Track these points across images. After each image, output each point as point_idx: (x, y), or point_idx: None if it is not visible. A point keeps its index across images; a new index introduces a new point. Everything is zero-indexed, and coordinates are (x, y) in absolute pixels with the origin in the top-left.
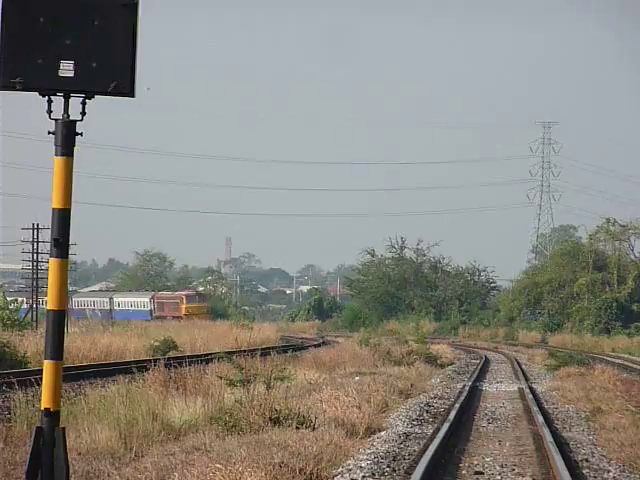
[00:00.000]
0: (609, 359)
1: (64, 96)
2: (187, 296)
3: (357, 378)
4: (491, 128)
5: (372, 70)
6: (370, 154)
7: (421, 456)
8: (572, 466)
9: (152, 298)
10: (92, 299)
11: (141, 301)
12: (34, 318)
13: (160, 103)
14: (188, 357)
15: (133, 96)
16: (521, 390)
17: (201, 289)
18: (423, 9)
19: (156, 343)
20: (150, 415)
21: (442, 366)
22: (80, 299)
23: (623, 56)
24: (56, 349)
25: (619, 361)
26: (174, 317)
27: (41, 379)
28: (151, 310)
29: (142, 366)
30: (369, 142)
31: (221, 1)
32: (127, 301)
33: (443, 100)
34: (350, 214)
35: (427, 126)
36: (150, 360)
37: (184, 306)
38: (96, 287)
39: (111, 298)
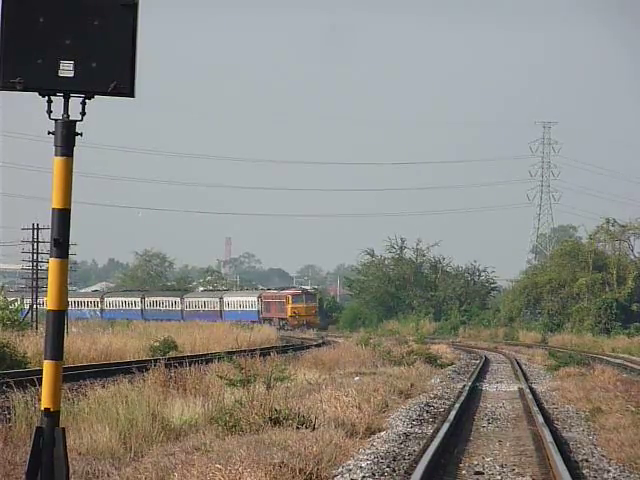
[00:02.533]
0: (609, 359)
1: (64, 96)
2: (293, 295)
3: (357, 378)
4: (491, 128)
5: (372, 70)
6: (370, 154)
7: (421, 456)
8: (572, 466)
9: (259, 297)
10: (203, 299)
11: (249, 301)
12: (34, 318)
13: (160, 103)
14: (188, 357)
15: (133, 96)
16: (521, 390)
17: (201, 289)
18: (423, 9)
19: (156, 343)
20: (150, 415)
21: (442, 366)
22: (192, 299)
23: (623, 56)
24: (56, 349)
25: (619, 361)
26: (280, 319)
27: (41, 379)
28: (258, 311)
29: (142, 366)
30: (369, 142)
31: (221, 1)
32: (237, 301)
33: (443, 100)
34: (350, 214)
35: (427, 126)
36: (150, 360)
37: (289, 306)
38: (97, 287)
39: (221, 298)
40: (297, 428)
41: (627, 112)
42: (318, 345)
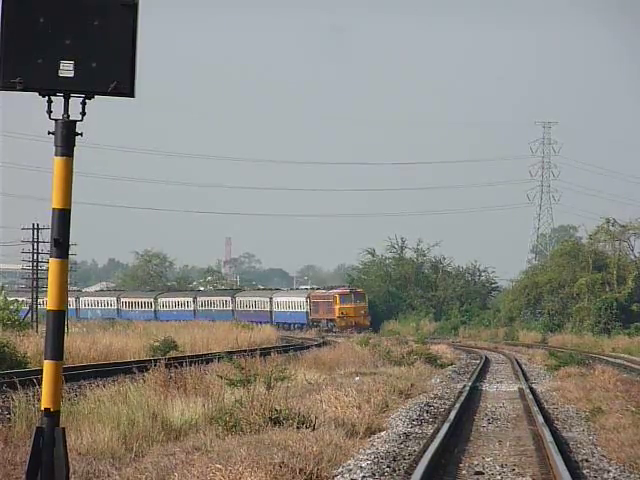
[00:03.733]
0: (609, 359)
1: (64, 96)
2: (341, 294)
3: (357, 378)
4: (491, 128)
5: (372, 70)
6: (370, 154)
7: (421, 456)
8: (572, 466)
9: (308, 297)
10: (254, 299)
11: (297, 301)
12: (34, 318)
13: (160, 103)
14: (188, 357)
15: (133, 96)
16: (521, 390)
17: (201, 289)
18: (423, 9)
19: (156, 343)
20: (150, 415)
21: (442, 366)
22: (243, 299)
23: (623, 56)
24: (56, 349)
25: (619, 361)
26: (328, 320)
27: (41, 379)
28: (307, 312)
29: (142, 366)
30: (369, 142)
31: (221, 1)
32: (286, 301)
33: (443, 100)
34: (350, 214)
35: (427, 126)
36: (150, 360)
37: (337, 307)
38: (97, 287)
39: (271, 298)
40: (297, 428)
41: (627, 112)
42: (318, 345)
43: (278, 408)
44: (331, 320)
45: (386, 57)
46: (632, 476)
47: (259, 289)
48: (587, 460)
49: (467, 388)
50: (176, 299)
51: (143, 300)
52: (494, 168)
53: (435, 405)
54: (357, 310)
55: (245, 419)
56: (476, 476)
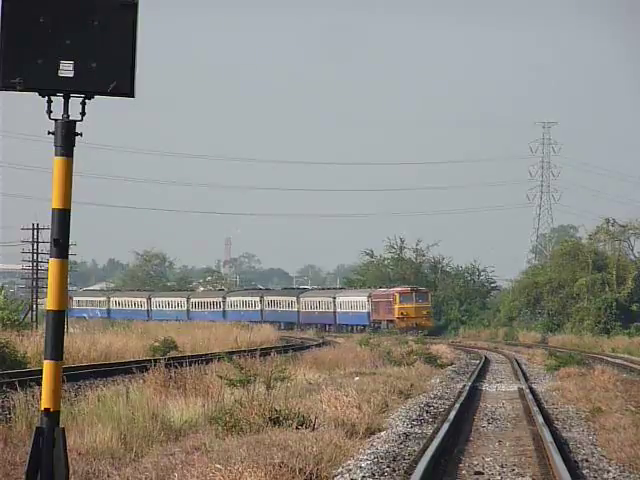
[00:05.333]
0: (609, 359)
1: (64, 96)
2: (401, 293)
3: (357, 378)
4: (491, 128)
5: (372, 70)
6: (370, 154)
7: (421, 456)
8: (572, 466)
9: (369, 297)
10: (318, 299)
11: (359, 301)
12: (34, 318)
13: (160, 103)
14: (188, 357)
15: (133, 96)
16: (521, 390)
17: (201, 289)
18: (423, 9)
19: (156, 343)
20: (150, 415)
21: (442, 366)
22: (308, 299)
23: (624, 55)
24: (56, 349)
25: (619, 361)
26: (388, 322)
27: (41, 379)
28: (369, 313)
29: (142, 366)
30: (369, 142)
31: (222, 1)
32: (348, 301)
33: (442, 100)
34: (350, 214)
35: (427, 126)
36: (150, 360)
37: (397, 307)
38: (96, 287)
39: (334, 297)
40: (297, 428)
41: (627, 112)
42: (318, 345)
43: (278, 408)
44: (391, 321)
45: (386, 57)
46: (632, 476)
47: (323, 288)
48: (587, 460)
49: (467, 388)
50: (243, 298)
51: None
52: (494, 168)
53: (435, 405)
54: (419, 310)
55: (245, 419)
56: (476, 476)
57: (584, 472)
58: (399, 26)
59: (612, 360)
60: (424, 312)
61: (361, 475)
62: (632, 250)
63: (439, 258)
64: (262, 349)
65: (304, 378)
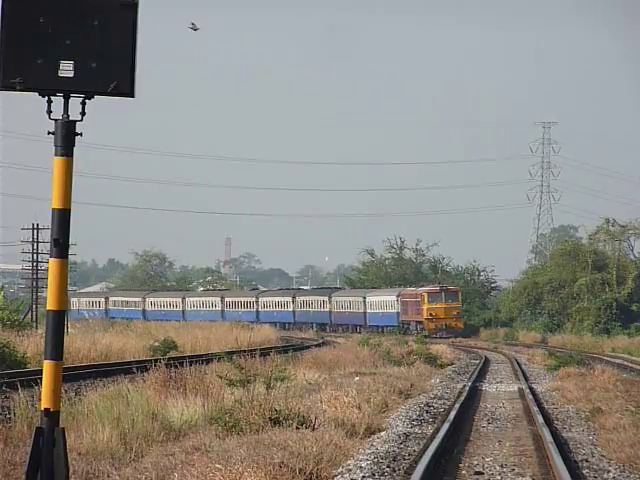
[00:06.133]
0: (609, 359)
1: (64, 96)
2: (429, 293)
3: (357, 378)
4: (491, 128)
5: (372, 70)
6: (370, 154)
7: (421, 456)
8: (572, 466)
9: (398, 296)
10: (349, 299)
11: (388, 301)
12: (34, 318)
13: (160, 103)
14: (188, 357)
15: (133, 96)
16: (521, 390)
17: (200, 289)
18: (423, 9)
19: (156, 343)
20: (150, 415)
21: (442, 366)
22: (339, 299)
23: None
24: (56, 349)
25: (619, 361)
26: (417, 323)
27: (41, 379)
28: (398, 313)
29: (142, 366)
30: (369, 142)
31: (222, 1)
32: (378, 301)
33: (443, 100)
34: (350, 214)
35: (427, 126)
36: (150, 360)
37: (425, 307)
38: (96, 287)
39: (365, 297)
40: (297, 428)
41: (627, 112)
42: (318, 345)
43: (278, 408)
44: (419, 322)
45: (386, 57)
46: (632, 476)
47: (354, 288)
48: (587, 460)
49: (467, 388)
50: (276, 299)
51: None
52: (494, 168)
53: (435, 405)
54: (448, 311)
55: (245, 419)
56: (476, 476)
57: (584, 472)
58: (399, 26)
59: (612, 360)
60: (454, 313)
61: (361, 475)
62: (632, 250)
63: (439, 258)
64: (262, 349)
65: (304, 378)
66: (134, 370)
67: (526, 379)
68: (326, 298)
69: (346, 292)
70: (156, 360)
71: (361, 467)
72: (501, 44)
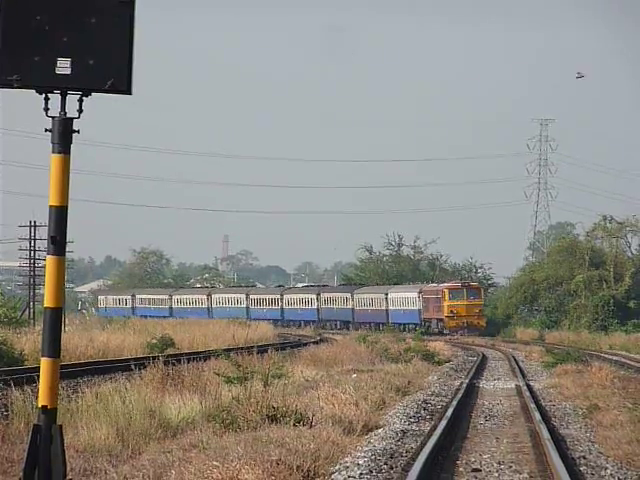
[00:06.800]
0: (606, 356)
1: (61, 94)
2: (450, 289)
3: (354, 375)
4: (489, 126)
5: (372, 69)
6: (369, 152)
7: (418, 453)
8: (569, 463)
9: (420, 293)
10: (371, 295)
11: (409, 297)
12: (31, 315)
13: (158, 101)
14: (185, 354)
15: (130, 93)
16: (518, 387)
17: (198, 286)
18: (422, 9)
19: (153, 340)
20: (147, 412)
21: (439, 363)
22: (362, 296)
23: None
24: (53, 346)
25: (616, 358)
26: (438, 320)
27: (38, 376)
28: (420, 310)
29: (140, 363)
30: (368, 140)
31: (221, 1)
32: (399, 298)
33: (441, 98)
34: (347, 211)
35: (426, 124)
36: (148, 357)
37: (446, 304)
38: (94, 284)
39: (387, 294)
40: (294, 425)
41: (624, 110)
42: (316, 342)
43: (275, 405)
44: (440, 320)
45: (385, 57)
46: (629, 473)
47: (377, 284)
48: (584, 457)
49: (464, 385)
50: (300, 295)
51: (268, 297)
52: (492, 165)
53: (432, 402)
54: (470, 308)
55: (242, 416)
56: (473, 473)
57: (581, 469)
58: (396, 26)
59: (609, 357)
60: (476, 310)
61: (359, 472)
62: (629, 247)
63: (437, 255)
64: (259, 346)
65: (301, 375)
66: (132, 367)
67: (523, 376)
68: (349, 295)
69: (369, 288)
70: (154, 357)
71: (358, 464)
72: (500, 42)
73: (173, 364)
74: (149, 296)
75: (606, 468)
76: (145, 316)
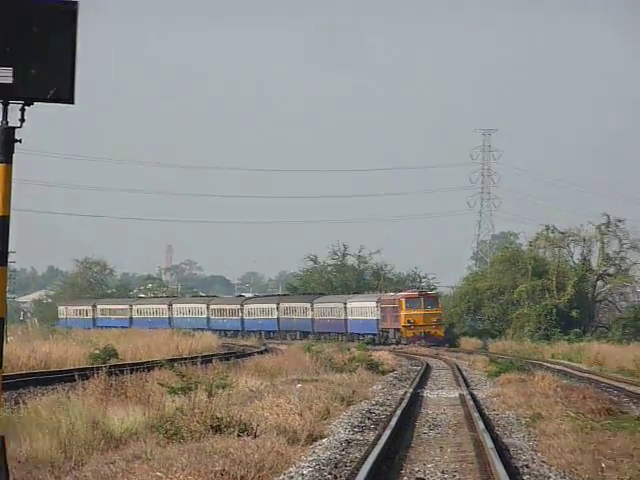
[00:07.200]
0: (549, 365)
1: (3, 103)
2: (407, 298)
3: (299, 385)
4: (433, 135)
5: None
6: (312, 161)
7: (363, 463)
8: (512, 472)
9: (378, 302)
10: (330, 305)
11: (368, 307)
12: None
13: (100, 108)
14: (129, 365)
15: (73, 103)
16: (462, 396)
17: (142, 296)
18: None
19: (96, 351)
20: (90, 423)
21: (384, 373)
22: (322, 305)
23: (563, 60)
24: None
25: (559, 367)
26: (395, 330)
27: None
28: (378, 320)
29: (83, 374)
30: (311, 149)
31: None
32: (358, 307)
33: (386, 106)
34: (292, 221)
35: (370, 133)
36: (91, 368)
37: (403, 314)
38: (35, 295)
39: (346, 304)
40: (238, 435)
41: (566, 119)
42: (260, 352)
43: (219, 416)
44: (397, 330)
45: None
46: None
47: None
48: (527, 466)
49: (408, 394)
50: (261, 305)
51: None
52: (436, 175)
53: (376, 412)
54: (427, 318)
55: (186, 427)
56: None
57: (525, 478)
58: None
59: (552, 366)
60: (434, 320)
61: None
62: (572, 257)
63: (381, 265)
64: (203, 356)
65: (246, 385)
66: (75, 378)
67: (467, 385)
68: (309, 305)
69: (329, 297)
70: (97, 368)
71: (303, 474)
72: (445, 50)
73: (116, 375)
74: (110, 306)
75: (549, 477)
76: (106, 327)
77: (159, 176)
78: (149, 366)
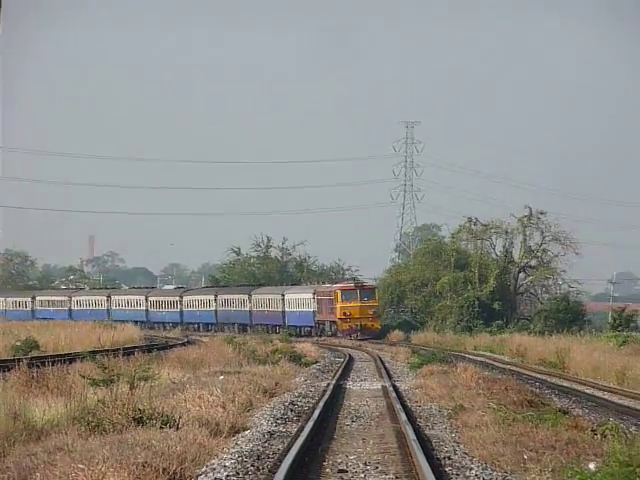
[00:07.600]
0: (471, 357)
1: None
2: (343, 290)
3: (222, 377)
4: (356, 127)
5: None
6: (238, 153)
7: (285, 455)
8: (435, 464)
9: (314, 294)
10: (268, 296)
11: (305, 299)
12: None
13: (35, 102)
14: (51, 357)
15: None
16: (385, 388)
17: (63, 287)
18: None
19: (17, 343)
20: (11, 415)
21: (306, 364)
22: (260, 297)
23: (493, 52)
24: None
25: (481, 359)
26: (331, 323)
27: None
28: (314, 312)
29: (4, 366)
30: (236, 141)
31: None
32: (296, 299)
33: (315, 99)
34: (215, 212)
35: (296, 125)
36: (12, 360)
37: (339, 306)
38: None
39: (283, 295)
40: (161, 428)
41: (491, 112)
42: (183, 344)
43: (141, 408)
44: (333, 322)
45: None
46: (494, 474)
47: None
48: (449, 458)
49: (331, 386)
50: (199, 297)
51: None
52: (359, 167)
53: (299, 404)
54: (364, 310)
55: (108, 419)
56: (340, 474)
57: (447, 470)
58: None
59: (474, 358)
60: (370, 312)
61: (225, 474)
62: (494, 249)
63: (305, 257)
64: (125, 348)
65: (168, 377)
66: None
67: (390, 377)
68: (246, 296)
69: (267, 288)
70: (18, 360)
71: (225, 466)
72: (375, 44)
73: (37, 366)
74: (49, 298)
75: (471, 468)
76: (45, 318)
77: (81, 167)
78: (71, 358)
